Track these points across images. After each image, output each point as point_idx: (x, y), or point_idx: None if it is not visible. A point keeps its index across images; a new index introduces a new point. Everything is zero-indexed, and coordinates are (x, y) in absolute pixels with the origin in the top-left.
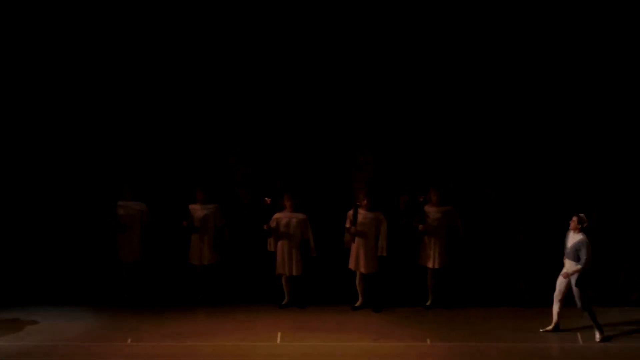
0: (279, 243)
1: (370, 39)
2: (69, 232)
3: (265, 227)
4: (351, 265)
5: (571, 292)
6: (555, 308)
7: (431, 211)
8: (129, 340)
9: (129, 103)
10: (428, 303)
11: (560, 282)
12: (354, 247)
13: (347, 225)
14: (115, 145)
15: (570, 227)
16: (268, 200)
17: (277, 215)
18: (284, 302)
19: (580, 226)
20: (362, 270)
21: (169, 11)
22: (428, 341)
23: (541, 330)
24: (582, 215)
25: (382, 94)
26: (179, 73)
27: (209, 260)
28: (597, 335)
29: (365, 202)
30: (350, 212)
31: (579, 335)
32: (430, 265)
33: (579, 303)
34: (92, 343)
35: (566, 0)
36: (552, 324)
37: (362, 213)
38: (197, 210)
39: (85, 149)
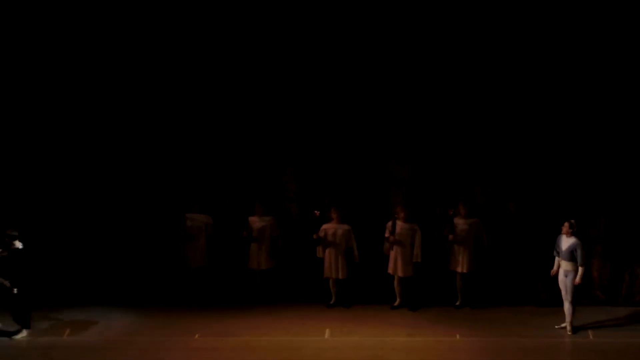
0: (327, 250)
1: (406, 65)
2: (143, 240)
3: (314, 236)
4: (390, 270)
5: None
6: (566, 306)
7: (460, 223)
8: (197, 336)
9: (198, 127)
10: (457, 303)
11: (562, 283)
12: (392, 254)
13: (387, 235)
14: (184, 163)
15: (562, 232)
16: (317, 212)
17: (325, 226)
18: (331, 302)
19: (572, 230)
20: (400, 274)
21: (221, 27)
22: (457, 336)
23: (556, 327)
24: (573, 221)
25: (417, 117)
26: (240, 101)
27: (266, 266)
28: (568, 328)
29: (402, 214)
30: (389, 223)
31: (589, 331)
32: (459, 269)
33: (569, 297)
34: (165, 338)
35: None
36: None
37: (399, 224)
38: (256, 221)
39: (159, 167)
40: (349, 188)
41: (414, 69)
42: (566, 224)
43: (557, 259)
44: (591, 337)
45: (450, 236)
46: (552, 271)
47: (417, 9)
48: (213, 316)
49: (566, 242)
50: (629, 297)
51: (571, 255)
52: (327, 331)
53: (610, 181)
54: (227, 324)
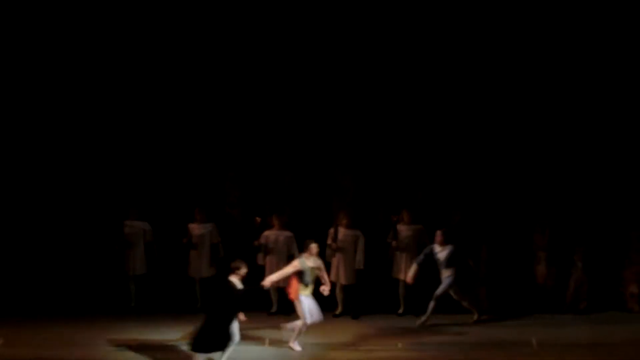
0: (268, 258)
1: (353, 72)
2: (80, 248)
3: (255, 243)
4: (332, 277)
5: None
6: (432, 305)
7: (403, 229)
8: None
9: (136, 130)
10: (400, 311)
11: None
12: (334, 261)
13: (329, 242)
14: (122, 169)
15: (436, 242)
16: (258, 219)
17: (266, 232)
18: (272, 310)
19: (444, 238)
20: (342, 281)
21: (172, 29)
22: (399, 345)
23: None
24: (445, 229)
25: (360, 123)
26: (181, 103)
27: (206, 273)
28: (422, 319)
29: (344, 220)
30: (332, 230)
31: (533, 339)
32: (402, 277)
33: (439, 294)
34: (99, 350)
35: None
36: (426, 316)
37: (342, 231)
38: (195, 228)
39: (97, 174)
40: (290, 194)
41: (358, 75)
42: (439, 233)
43: (415, 266)
44: (535, 345)
45: (394, 243)
46: (409, 278)
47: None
48: (151, 325)
49: (443, 251)
50: (573, 305)
51: (449, 263)
52: (268, 340)
53: (553, 187)
54: (166, 333)
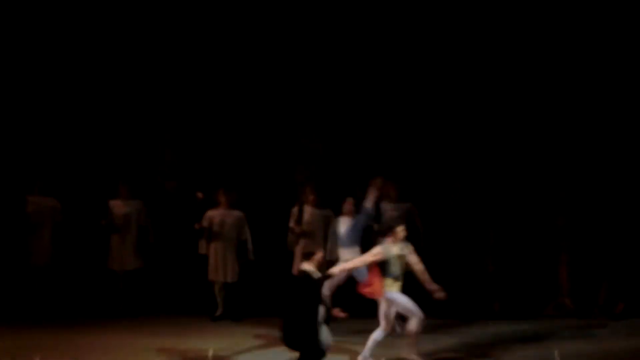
0: (213, 245)
1: (316, 28)
2: None
3: (196, 226)
4: (295, 271)
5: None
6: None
7: (388, 209)
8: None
9: (39, 85)
10: None
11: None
12: (298, 249)
13: (291, 225)
14: (26, 132)
15: (344, 212)
16: (200, 195)
17: (210, 212)
18: (217, 314)
19: (355, 209)
20: None
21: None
22: None
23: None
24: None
25: (333, 77)
26: (96, 53)
27: (132, 266)
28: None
29: (312, 197)
30: (295, 210)
31: (556, 352)
32: None
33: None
34: None
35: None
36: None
37: (308, 210)
38: (118, 206)
39: None
40: (241, 163)
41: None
42: (351, 200)
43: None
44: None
45: (376, 226)
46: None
47: None
48: (61, 333)
49: (345, 223)
50: (607, 308)
51: (356, 237)
52: (211, 351)
53: (580, 158)
54: (79, 344)
